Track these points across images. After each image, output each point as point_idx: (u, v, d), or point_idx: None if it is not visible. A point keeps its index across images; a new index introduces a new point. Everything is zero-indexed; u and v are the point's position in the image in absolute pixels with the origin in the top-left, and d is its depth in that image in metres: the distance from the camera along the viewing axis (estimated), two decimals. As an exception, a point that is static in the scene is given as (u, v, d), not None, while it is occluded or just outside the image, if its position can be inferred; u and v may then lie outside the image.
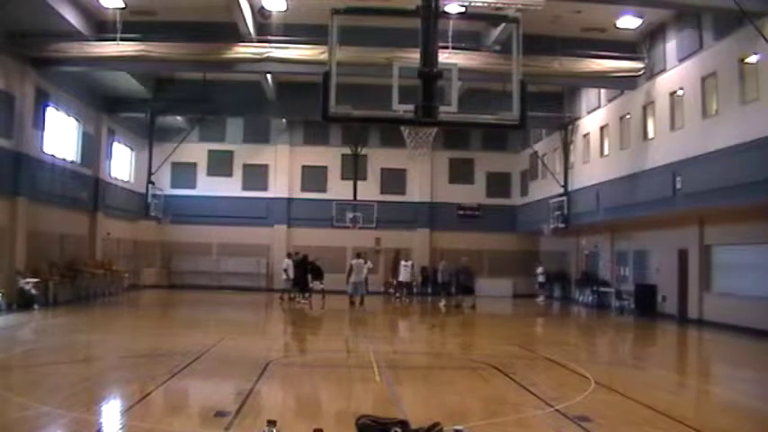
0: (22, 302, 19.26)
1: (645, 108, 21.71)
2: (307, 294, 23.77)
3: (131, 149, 30.69)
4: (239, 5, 18.97)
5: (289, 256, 25.70)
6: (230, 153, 33.36)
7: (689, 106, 19.06)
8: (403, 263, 28.44)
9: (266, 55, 20.84)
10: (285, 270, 25.26)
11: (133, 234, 30.73)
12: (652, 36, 21.16)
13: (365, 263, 23.67)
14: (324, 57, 15.33)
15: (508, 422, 7.64)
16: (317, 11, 15.95)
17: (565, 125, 27.76)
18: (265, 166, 33.45)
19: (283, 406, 8.47)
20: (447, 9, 16.52)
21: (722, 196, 16.77)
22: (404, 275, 28.29)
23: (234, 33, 20.32)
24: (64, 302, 21.17)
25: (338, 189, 32.17)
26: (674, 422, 7.62)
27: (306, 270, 24.47)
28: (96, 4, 19.64)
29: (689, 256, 20.81)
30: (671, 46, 20.12)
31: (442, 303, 25.29)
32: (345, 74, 10.88)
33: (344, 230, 30.00)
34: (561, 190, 27.55)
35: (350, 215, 29.57)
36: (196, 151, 32.66)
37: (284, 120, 32.40)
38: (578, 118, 27.14)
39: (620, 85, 22.40)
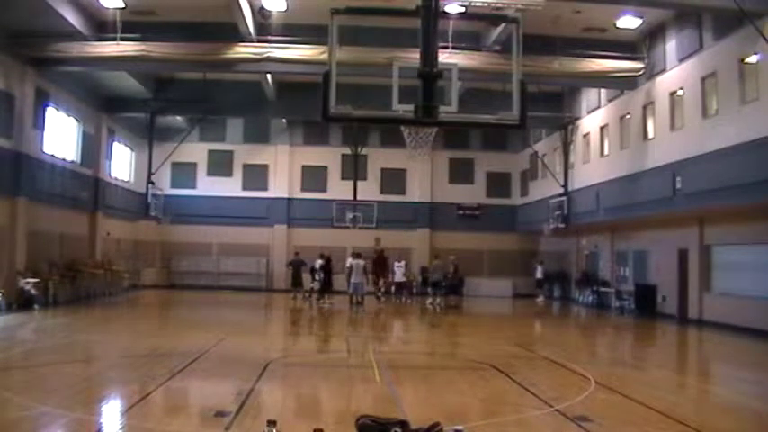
0: (22, 302, 19.27)
1: (645, 108, 21.71)
2: (327, 295, 23.96)
3: (131, 149, 30.69)
4: (239, 5, 18.97)
5: (321, 256, 25.47)
6: (230, 153, 33.36)
7: (689, 106, 19.06)
8: (396, 263, 28.46)
9: (266, 55, 20.84)
10: (316, 270, 25.20)
11: (133, 234, 30.72)
12: (652, 36, 21.16)
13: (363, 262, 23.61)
14: (324, 57, 15.33)
15: (508, 422, 7.65)
16: (317, 11, 15.89)
17: (565, 125, 27.76)
18: (265, 166, 33.45)
19: (283, 406, 8.48)
20: (447, 9, 16.54)
21: (722, 196, 16.77)
22: (398, 276, 28.33)
23: (234, 33, 20.31)
24: (64, 302, 21.17)
25: (338, 189, 32.16)
26: (675, 422, 7.62)
27: (330, 271, 24.50)
28: (96, 4, 19.63)
29: (689, 256, 20.81)
30: (671, 46, 20.12)
31: (429, 302, 25.20)
32: (345, 74, 10.89)
33: (344, 230, 29.97)
34: (561, 190, 27.55)
35: (350, 215, 29.54)
36: (196, 151, 32.65)
37: (284, 120, 32.40)
38: (578, 118, 27.14)
39: (620, 85, 22.40)
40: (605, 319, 22.65)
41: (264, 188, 33.36)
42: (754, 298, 17.55)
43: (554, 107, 27.29)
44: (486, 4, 16.98)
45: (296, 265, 26.61)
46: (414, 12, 8.53)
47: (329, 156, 33.43)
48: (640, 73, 21.53)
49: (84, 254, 25.21)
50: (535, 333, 19.52)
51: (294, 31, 20.56)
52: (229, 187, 32.99)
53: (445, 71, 8.63)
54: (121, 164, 29.62)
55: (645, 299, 23.05)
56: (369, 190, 31.47)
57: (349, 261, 24.02)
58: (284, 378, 10.40)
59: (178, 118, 30.77)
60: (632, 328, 20.52)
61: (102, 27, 20.70)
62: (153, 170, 28.48)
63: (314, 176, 33.44)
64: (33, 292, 19.72)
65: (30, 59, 20.33)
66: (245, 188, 33.25)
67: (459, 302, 25.90)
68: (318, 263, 25.25)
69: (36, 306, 19.44)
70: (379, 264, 24.71)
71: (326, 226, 30.52)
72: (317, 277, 25.27)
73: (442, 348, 15.34)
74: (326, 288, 24.40)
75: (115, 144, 28.62)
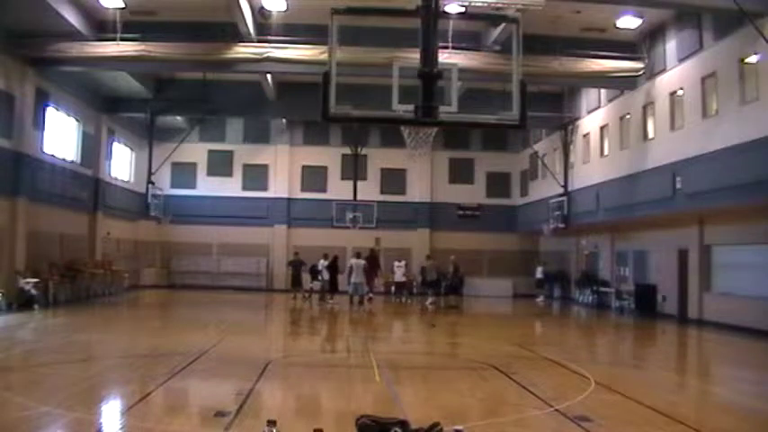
0: (22, 302, 19.26)
1: (645, 108, 21.70)
2: (330, 295, 24.01)
3: (131, 149, 30.69)
4: (239, 5, 18.97)
5: (325, 257, 25.54)
6: (230, 153, 33.37)
7: (689, 106, 19.06)
8: (396, 263, 28.45)
9: (266, 55, 20.84)
10: (320, 271, 25.18)
11: (133, 234, 30.72)
12: (652, 36, 21.16)
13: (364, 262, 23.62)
14: (324, 57, 15.33)
15: (508, 422, 7.64)
16: (317, 11, 15.92)
17: (565, 125, 27.76)
18: (265, 166, 33.46)
19: (283, 406, 8.48)
20: (447, 9, 16.51)
21: (722, 196, 16.77)
22: (398, 276, 28.32)
23: (234, 33, 20.32)
24: (64, 302, 21.17)
25: (338, 189, 32.17)
26: (675, 422, 7.62)
27: (336, 271, 24.48)
28: (96, 4, 19.63)
29: (689, 256, 20.81)
30: (671, 46, 20.12)
31: (428, 302, 25.25)
32: (345, 74, 10.87)
33: (344, 230, 29.98)
34: (561, 190, 27.55)
35: (350, 215, 29.54)
36: (196, 151, 32.66)
37: (284, 120, 32.40)
38: (578, 118, 27.13)
39: (620, 85, 22.39)
40: (605, 319, 22.65)
41: (264, 188, 33.36)
42: (754, 298, 17.54)
43: (554, 107, 27.29)
44: (486, 4, 16.97)
45: (296, 266, 26.63)
46: (414, 12, 8.54)
47: (329, 156, 33.43)
48: (640, 73, 21.53)
49: (84, 254, 25.21)
50: (535, 333, 19.51)
51: (294, 31, 20.57)
52: (229, 187, 33.00)
53: (445, 71, 8.65)
54: (121, 164, 29.62)
55: (645, 299, 23.05)
56: (369, 190, 31.49)
57: (351, 261, 24.03)
58: (284, 378, 10.40)
59: (178, 118, 30.76)
60: (632, 328, 20.52)
61: (102, 27, 20.69)
62: (153, 170, 28.49)
63: (314, 176, 33.44)
64: (33, 292, 19.72)
65: (30, 59, 20.33)
66: (245, 188, 33.26)
67: (460, 302, 25.89)
68: (321, 263, 25.29)
69: (36, 306, 19.43)
70: (371, 264, 24.70)
71: (326, 226, 30.53)
72: (320, 277, 25.29)
73: (442, 348, 15.34)
74: (332, 288, 24.45)
75: (115, 144, 28.61)
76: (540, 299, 29.59)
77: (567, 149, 27.86)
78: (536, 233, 31.91)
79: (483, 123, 13.64)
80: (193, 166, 33.07)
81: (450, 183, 34.08)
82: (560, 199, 27.38)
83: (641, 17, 20.07)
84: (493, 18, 18.75)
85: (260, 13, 20.56)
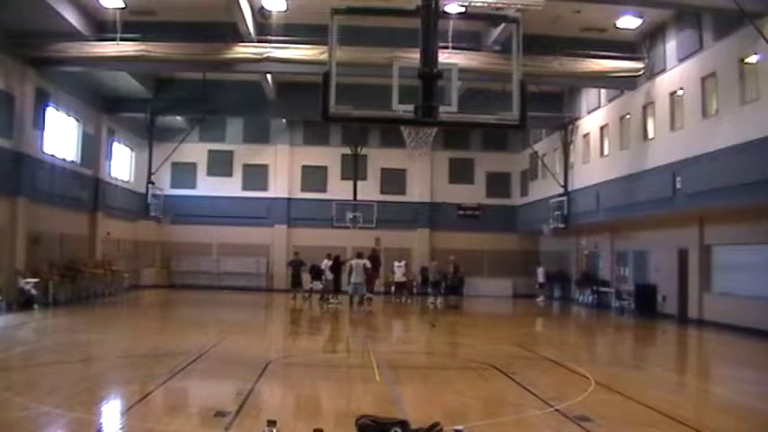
0: (22, 302, 19.26)
1: (645, 108, 21.71)
2: (332, 295, 24.05)
3: (131, 149, 30.69)
4: (239, 5, 18.97)
5: (328, 257, 25.69)
6: (230, 153, 33.37)
7: (689, 106, 19.06)
8: (396, 263, 28.48)
9: (266, 55, 20.85)
10: (323, 271, 25.26)
11: (133, 234, 30.71)
12: (652, 36, 21.16)
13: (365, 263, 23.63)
14: (324, 57, 15.32)
15: (508, 422, 7.65)
16: (317, 11, 15.94)
17: (565, 125, 27.76)
18: (265, 166, 33.46)
19: (283, 406, 8.48)
20: (447, 9, 16.52)
21: (722, 196, 16.78)
22: (398, 276, 28.36)
23: (234, 33, 20.32)
24: (64, 302, 21.17)
25: (338, 189, 32.18)
26: (675, 422, 7.62)
27: (340, 271, 24.50)
28: (96, 4, 19.64)
29: (689, 256, 20.81)
30: (671, 46, 20.12)
31: (430, 301, 25.29)
32: (345, 74, 10.91)
33: (344, 230, 29.98)
34: (561, 190, 27.55)
35: (350, 215, 29.57)
36: (196, 151, 32.66)
37: (284, 120, 32.41)
38: (578, 118, 27.14)
39: (620, 85, 22.40)
40: (605, 319, 22.65)
41: (264, 188, 33.36)
42: (754, 298, 17.54)
43: (554, 107, 27.29)
44: (486, 4, 16.97)
45: (296, 266, 26.63)
46: (414, 12, 8.55)
47: (329, 156, 33.43)
48: (640, 73, 21.53)
49: (84, 254, 25.21)
50: (535, 333, 19.52)
51: (294, 31, 20.57)
52: (229, 187, 32.99)
53: (445, 71, 8.65)
54: (121, 164, 29.62)
55: (645, 299, 23.04)
56: (369, 190, 31.50)
57: (351, 261, 24.03)
58: (284, 378, 10.40)
59: (178, 118, 30.77)
60: (632, 328, 20.52)
61: (102, 27, 20.70)
62: (153, 170, 28.51)
63: (314, 176, 33.44)
64: (33, 292, 19.71)
65: (30, 59, 20.34)
66: (245, 188, 33.25)
67: (460, 302, 25.91)
68: (325, 263, 25.34)
69: (36, 306, 19.43)
70: (373, 264, 24.73)
71: (326, 226, 30.55)
72: (323, 277, 25.32)
73: (442, 348, 15.34)
74: (335, 288, 24.47)
75: (115, 144, 28.61)
76: (541, 299, 29.58)
77: (567, 149, 27.86)
78: (536, 233, 31.90)
79: (483, 123, 13.64)
80: (193, 166, 33.06)
81: (450, 183, 34.08)
82: (560, 199, 27.39)
83: (641, 17, 20.07)
84: (493, 18, 18.74)
85: (260, 13, 20.56)
